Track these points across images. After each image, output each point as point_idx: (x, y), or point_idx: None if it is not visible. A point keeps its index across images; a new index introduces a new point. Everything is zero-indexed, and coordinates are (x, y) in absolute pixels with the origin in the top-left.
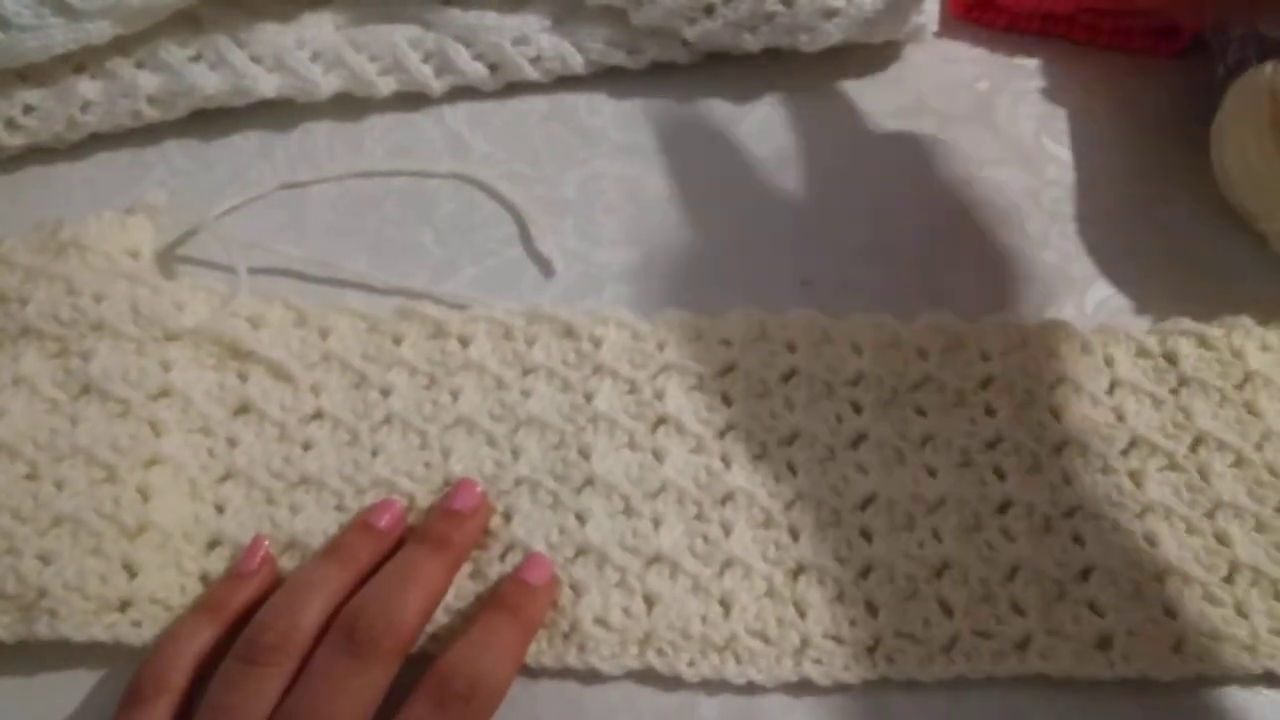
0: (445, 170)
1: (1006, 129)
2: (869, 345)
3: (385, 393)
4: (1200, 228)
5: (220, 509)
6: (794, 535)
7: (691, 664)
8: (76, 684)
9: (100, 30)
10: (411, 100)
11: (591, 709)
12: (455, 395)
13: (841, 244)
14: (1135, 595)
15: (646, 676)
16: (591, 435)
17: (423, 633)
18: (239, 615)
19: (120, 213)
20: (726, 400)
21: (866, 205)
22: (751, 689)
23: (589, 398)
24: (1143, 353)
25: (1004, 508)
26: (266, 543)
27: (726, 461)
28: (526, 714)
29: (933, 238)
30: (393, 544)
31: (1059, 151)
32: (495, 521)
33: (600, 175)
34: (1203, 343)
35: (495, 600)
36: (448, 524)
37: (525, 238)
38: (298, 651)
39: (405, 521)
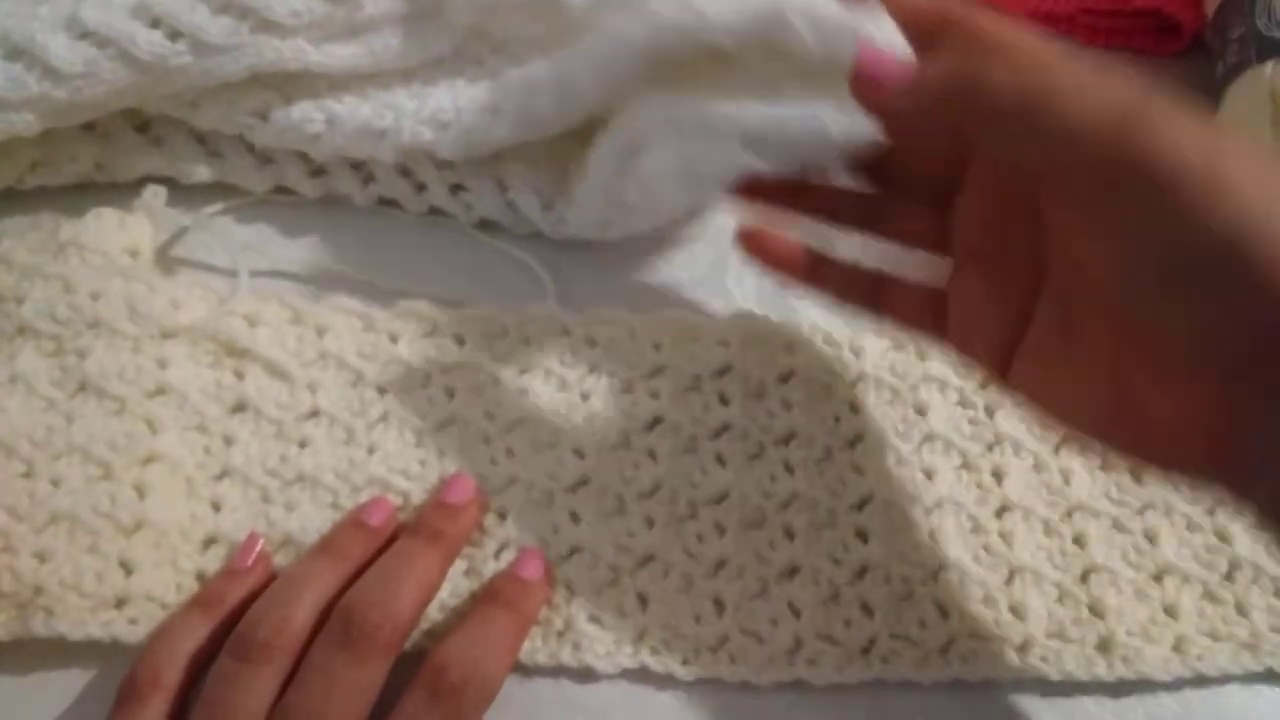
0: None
1: None
2: (869, 347)
3: (381, 391)
4: None
5: (217, 507)
6: (788, 535)
7: (685, 663)
8: (72, 682)
9: (25, 122)
10: None
11: (588, 707)
12: (450, 394)
13: (842, 244)
14: (1135, 596)
15: (641, 675)
16: (585, 435)
17: (418, 629)
18: (234, 611)
19: (119, 211)
20: (723, 400)
21: None
22: (745, 689)
23: (584, 397)
24: None
25: (1001, 511)
26: (262, 539)
27: (722, 461)
28: (522, 712)
29: None
30: (384, 541)
31: None
32: (489, 519)
33: None
34: None
35: (489, 594)
36: (440, 516)
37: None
38: (290, 647)
39: (396, 519)
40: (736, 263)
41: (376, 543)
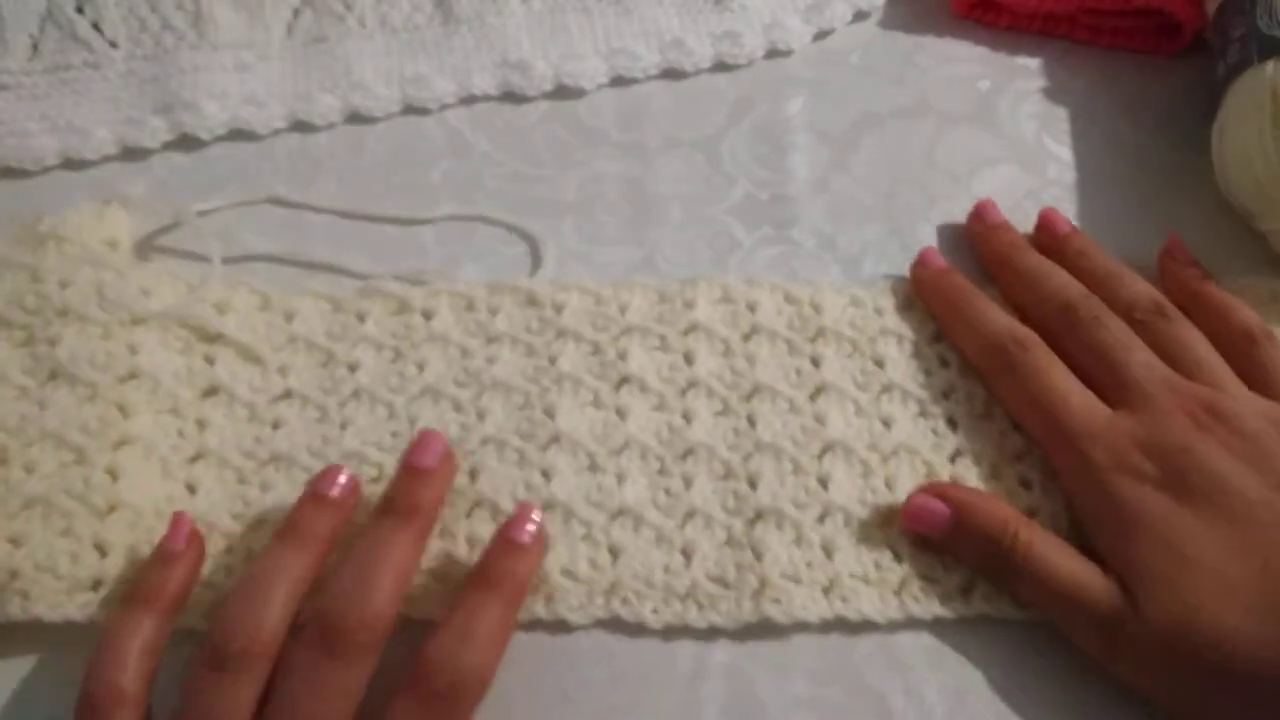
0: (443, 213)
1: (1008, 128)
2: (828, 303)
3: (352, 368)
4: (1200, 227)
5: (192, 489)
6: (752, 485)
7: (655, 611)
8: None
9: None
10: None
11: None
12: (421, 367)
13: (842, 244)
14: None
15: (614, 625)
16: (556, 395)
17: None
18: (175, 599)
19: (98, 205)
20: (689, 359)
21: (868, 205)
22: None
23: (553, 360)
24: None
25: (955, 456)
26: (190, 518)
27: (688, 418)
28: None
29: (935, 237)
30: (350, 511)
31: (1060, 151)
32: (461, 480)
33: (600, 175)
34: None
35: (479, 576)
36: (413, 485)
37: (535, 262)
38: (267, 652)
39: (358, 487)
40: (737, 260)
41: (341, 516)
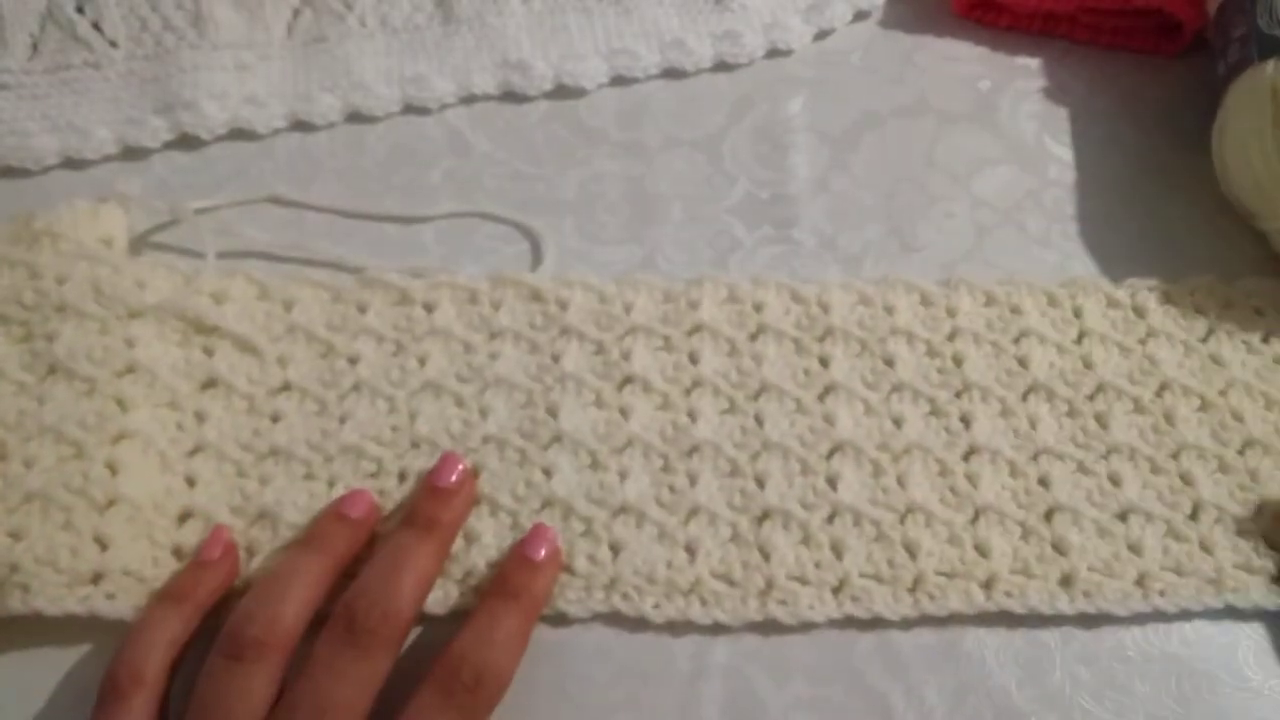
0: (445, 210)
1: (1008, 128)
2: (836, 303)
3: (352, 361)
4: (1200, 227)
5: (191, 482)
6: (760, 484)
7: (657, 606)
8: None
9: None
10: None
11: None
12: (422, 360)
13: (842, 244)
14: (1099, 534)
15: (615, 621)
16: (559, 395)
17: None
18: (204, 603)
19: (93, 202)
20: (693, 359)
21: (868, 204)
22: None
23: (556, 359)
24: (1112, 304)
25: (969, 454)
26: (228, 531)
27: (693, 416)
28: None
29: (935, 237)
30: (367, 533)
31: (1060, 151)
32: None
33: (600, 175)
34: (1168, 298)
35: (498, 584)
36: (434, 504)
37: (536, 257)
38: (283, 645)
39: (378, 511)
40: (737, 259)
41: (360, 535)
